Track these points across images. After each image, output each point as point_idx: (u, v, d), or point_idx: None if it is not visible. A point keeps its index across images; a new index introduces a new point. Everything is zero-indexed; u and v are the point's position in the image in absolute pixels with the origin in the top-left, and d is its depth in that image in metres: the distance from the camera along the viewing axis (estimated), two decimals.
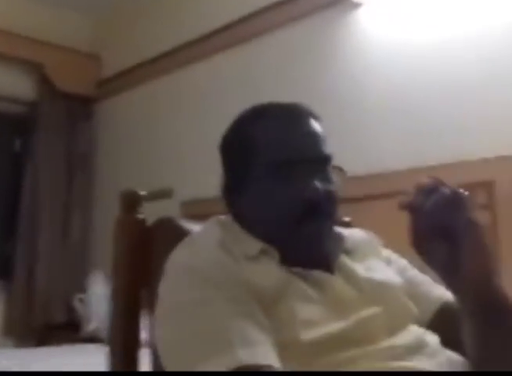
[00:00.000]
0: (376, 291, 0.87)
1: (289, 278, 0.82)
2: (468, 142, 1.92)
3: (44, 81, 3.26)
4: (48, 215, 3.26)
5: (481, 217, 0.77)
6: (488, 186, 1.84)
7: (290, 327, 0.78)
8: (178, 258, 0.85)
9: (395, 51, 2.15)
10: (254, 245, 0.86)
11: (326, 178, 0.90)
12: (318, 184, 0.87)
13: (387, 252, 1.03)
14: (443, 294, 0.94)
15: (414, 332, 0.85)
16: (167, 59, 2.97)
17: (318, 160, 0.90)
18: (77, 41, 3.35)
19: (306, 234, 0.87)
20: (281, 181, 0.87)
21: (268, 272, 0.82)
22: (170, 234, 1.01)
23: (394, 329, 0.83)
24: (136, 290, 1.03)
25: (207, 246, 0.85)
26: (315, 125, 0.93)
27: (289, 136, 0.90)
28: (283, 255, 0.85)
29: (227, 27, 2.69)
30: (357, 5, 2.25)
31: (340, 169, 0.93)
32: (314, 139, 0.91)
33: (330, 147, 0.92)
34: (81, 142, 3.41)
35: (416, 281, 0.99)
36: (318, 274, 0.85)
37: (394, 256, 1.03)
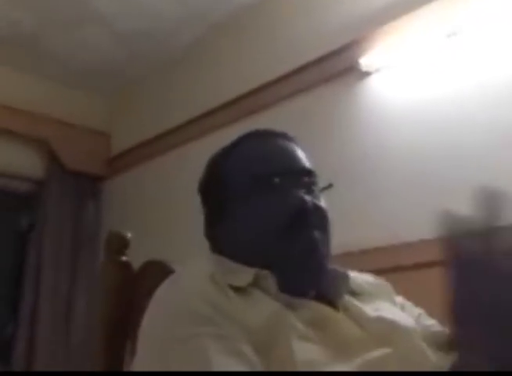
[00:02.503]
0: (386, 332, 0.77)
1: (284, 313, 0.74)
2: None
3: (52, 159, 3.24)
4: (51, 297, 3.15)
5: None
6: None
7: (287, 369, 0.68)
8: (163, 294, 0.78)
9: (407, 119, 2.10)
10: (246, 274, 0.78)
11: (313, 193, 0.85)
12: (304, 195, 0.82)
13: (400, 299, 0.93)
14: None
15: None
16: (176, 135, 2.96)
17: (300, 173, 0.86)
18: (86, 119, 3.37)
19: (298, 246, 0.81)
20: (263, 196, 0.83)
21: (260, 307, 0.74)
22: (158, 278, 0.92)
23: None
24: (119, 343, 0.92)
25: (195, 280, 0.77)
26: (291, 143, 0.91)
27: (265, 152, 0.88)
28: (280, 278, 0.78)
29: (234, 101, 2.68)
30: (366, 74, 2.23)
31: (329, 186, 0.88)
32: (292, 153, 0.88)
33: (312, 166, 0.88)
34: (88, 221, 3.35)
35: (433, 330, 0.88)
36: (319, 307, 0.77)
37: (408, 303, 0.93)
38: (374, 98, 2.22)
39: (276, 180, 0.83)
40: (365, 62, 2.18)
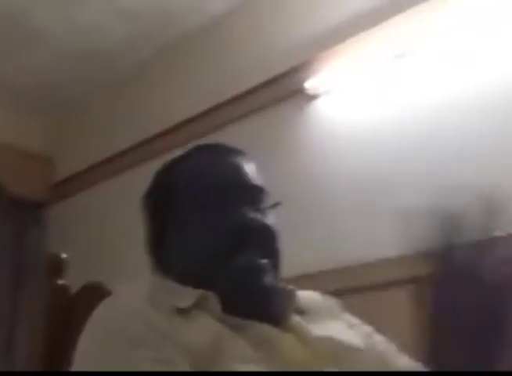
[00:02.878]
0: (332, 352, 0.74)
1: (227, 334, 0.70)
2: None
3: None
4: None
5: None
6: None
7: None
8: (98, 317, 0.73)
9: (354, 141, 2.11)
10: (188, 295, 0.74)
11: (261, 211, 0.82)
12: (250, 212, 0.79)
13: (348, 316, 0.91)
14: (408, 363, 0.85)
15: None
16: (123, 159, 2.90)
17: (249, 189, 0.83)
18: (29, 143, 3.26)
19: (241, 266, 0.77)
20: (209, 213, 0.80)
21: (202, 328, 0.70)
22: (96, 300, 0.87)
23: None
24: (57, 368, 0.87)
25: (131, 301, 0.73)
26: (242, 159, 0.88)
27: (215, 166, 0.85)
28: (224, 299, 0.74)
29: (183, 124, 2.65)
30: (313, 97, 2.24)
31: (277, 204, 0.85)
32: (241, 169, 0.85)
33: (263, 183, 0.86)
34: (30, 249, 3.23)
35: (380, 348, 0.86)
36: (264, 328, 0.73)
37: (356, 321, 0.91)
38: (321, 120, 2.22)
39: (224, 196, 0.80)
40: (312, 84, 2.19)
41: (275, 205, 0.86)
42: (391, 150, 1.99)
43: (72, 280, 2.90)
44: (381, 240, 1.94)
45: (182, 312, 0.72)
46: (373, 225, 1.97)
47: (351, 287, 1.90)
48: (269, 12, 2.42)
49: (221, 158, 0.86)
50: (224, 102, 2.50)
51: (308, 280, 1.98)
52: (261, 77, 2.36)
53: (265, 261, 0.79)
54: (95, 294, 0.89)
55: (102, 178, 2.99)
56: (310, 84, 2.19)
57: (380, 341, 0.89)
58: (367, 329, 0.91)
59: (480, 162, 1.77)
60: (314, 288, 1.94)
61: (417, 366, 0.83)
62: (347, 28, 2.11)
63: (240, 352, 0.69)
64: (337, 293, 1.83)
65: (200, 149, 0.90)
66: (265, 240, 0.81)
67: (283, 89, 2.30)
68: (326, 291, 1.87)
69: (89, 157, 3.07)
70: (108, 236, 2.93)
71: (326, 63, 2.15)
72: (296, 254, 1.96)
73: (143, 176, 2.79)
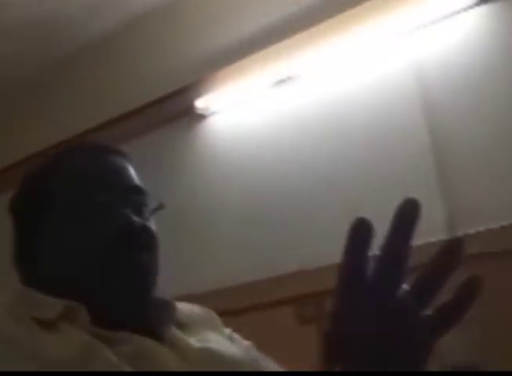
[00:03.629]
0: (211, 363, 0.73)
1: (93, 345, 0.66)
2: (315, 249, 1.89)
3: None
4: None
5: None
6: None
7: None
8: None
9: (241, 159, 2.14)
10: (53, 306, 0.70)
11: (141, 213, 0.78)
12: (129, 214, 0.75)
13: (228, 330, 0.90)
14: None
15: None
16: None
17: (129, 191, 0.79)
18: None
19: (123, 272, 0.73)
20: (85, 218, 0.75)
21: (68, 340, 0.66)
22: None
23: None
24: None
25: None
26: (122, 160, 0.83)
27: (92, 167, 0.80)
28: (94, 312, 0.69)
29: (69, 142, 2.56)
30: (202, 117, 2.25)
31: (161, 207, 0.82)
32: (122, 169, 0.81)
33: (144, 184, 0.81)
34: None
35: (263, 362, 0.86)
36: (139, 340, 0.70)
37: (236, 335, 0.90)
38: (210, 140, 2.23)
39: (102, 198, 0.76)
40: (201, 104, 2.20)
41: (159, 208, 0.83)
42: (277, 167, 2.04)
43: None
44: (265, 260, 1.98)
45: (45, 324, 0.67)
46: (260, 246, 2.00)
47: (234, 309, 1.90)
48: (162, 31, 2.42)
49: (101, 158, 0.81)
50: (109, 121, 2.43)
51: (193, 301, 1.97)
52: (150, 96, 2.33)
53: (150, 264, 0.76)
54: None
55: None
56: (199, 105, 2.20)
57: (258, 355, 0.88)
58: (246, 343, 0.90)
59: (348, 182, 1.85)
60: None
61: None
62: (238, 50, 2.14)
63: (111, 367, 0.65)
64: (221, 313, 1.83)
65: (76, 148, 0.85)
66: (148, 243, 0.77)
67: (173, 109, 2.29)
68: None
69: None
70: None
71: (215, 83, 2.17)
72: (181, 274, 1.97)
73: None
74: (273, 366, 0.85)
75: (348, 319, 0.48)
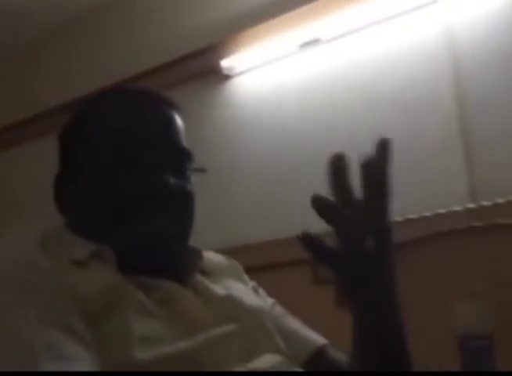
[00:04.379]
0: (233, 310, 0.74)
1: (125, 286, 0.67)
2: None
3: None
4: None
5: None
6: None
7: (122, 344, 0.62)
8: None
9: (264, 121, 2.13)
10: (83, 247, 0.71)
11: (184, 176, 0.79)
12: (171, 179, 0.75)
13: (252, 283, 0.91)
14: (318, 338, 0.86)
15: (274, 359, 0.72)
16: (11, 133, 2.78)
17: (174, 153, 0.79)
18: None
19: (150, 234, 0.73)
20: (124, 171, 0.75)
21: (99, 277, 0.67)
22: None
23: (251, 352, 0.70)
24: None
25: (19, 247, 0.70)
26: (175, 116, 0.82)
27: (140, 121, 0.78)
28: (122, 260, 0.71)
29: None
30: (227, 77, 2.24)
31: (202, 170, 0.83)
32: (171, 128, 0.80)
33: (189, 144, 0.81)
34: None
35: (287, 319, 0.88)
36: (163, 284, 0.71)
37: (261, 290, 0.92)
38: (234, 101, 2.22)
39: (149, 154, 0.75)
40: (226, 65, 2.19)
41: (200, 171, 0.84)
42: (301, 131, 2.03)
43: None
44: (286, 219, 1.98)
45: (77, 262, 0.69)
46: (283, 205, 2.01)
47: (258, 265, 1.93)
48: None
49: (157, 112, 0.80)
50: (132, 77, 2.43)
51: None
52: (172, 54, 2.32)
53: (176, 228, 0.76)
54: None
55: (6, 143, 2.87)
56: (224, 65, 2.19)
57: (284, 313, 0.89)
58: (271, 300, 0.92)
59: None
60: None
61: (317, 337, 0.85)
62: (266, 11, 2.11)
63: (139, 305, 0.67)
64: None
65: (132, 93, 0.82)
66: (181, 208, 0.78)
67: (196, 68, 2.28)
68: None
69: None
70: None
71: (242, 43, 2.15)
72: (198, 233, 1.98)
73: (32, 152, 2.65)
74: (295, 324, 0.87)
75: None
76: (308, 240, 0.60)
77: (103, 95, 0.84)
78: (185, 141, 0.82)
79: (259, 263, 1.92)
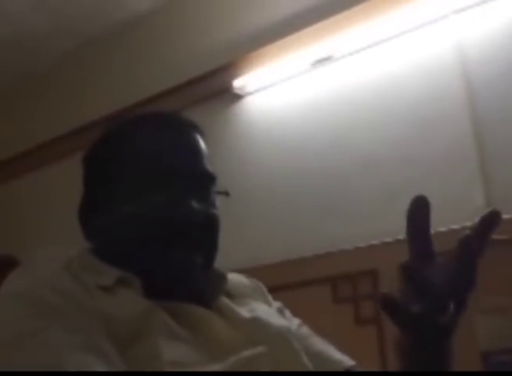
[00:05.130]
0: (260, 332, 0.73)
1: (153, 310, 0.67)
2: (351, 229, 1.89)
3: None
4: None
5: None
6: (372, 274, 1.80)
7: (151, 368, 0.62)
8: (10, 284, 0.68)
9: (276, 140, 2.14)
10: (109, 274, 0.70)
11: (208, 201, 0.77)
12: (196, 204, 0.74)
13: (278, 304, 0.91)
14: (346, 359, 0.84)
15: None
16: (41, 153, 2.81)
17: (199, 178, 0.78)
18: None
19: (175, 262, 0.72)
20: (150, 197, 0.74)
21: (127, 302, 0.67)
22: (6, 271, 0.81)
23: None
24: None
25: (45, 268, 0.68)
26: (199, 139, 0.81)
27: (165, 145, 0.77)
28: (147, 286, 0.70)
29: (103, 120, 2.57)
30: (238, 97, 2.25)
31: (225, 193, 0.82)
32: (196, 152, 0.79)
33: (214, 168, 0.80)
34: None
35: (313, 340, 0.86)
36: (190, 309, 0.71)
37: (287, 312, 0.91)
38: (246, 120, 2.24)
39: (173, 180, 0.74)
40: (238, 84, 2.20)
41: (224, 195, 0.82)
42: (311, 147, 2.04)
43: None
44: (302, 238, 1.98)
45: (103, 288, 0.68)
46: (294, 223, 2.01)
47: (273, 286, 1.92)
48: (199, 11, 2.42)
49: (180, 135, 0.79)
50: (147, 99, 2.43)
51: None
52: (187, 75, 2.34)
53: (199, 257, 0.75)
54: (5, 266, 0.83)
55: (21, 172, 2.90)
56: (236, 84, 2.20)
57: (311, 333, 0.88)
58: (297, 321, 0.90)
59: (385, 162, 1.85)
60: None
61: (345, 358, 0.84)
62: (275, 31, 2.13)
63: (168, 329, 0.66)
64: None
65: (157, 118, 0.81)
66: (206, 234, 0.76)
67: (209, 88, 2.29)
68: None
69: (11, 148, 2.96)
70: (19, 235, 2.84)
71: (253, 63, 2.16)
72: (230, 249, 1.98)
73: (63, 172, 2.67)
74: (323, 344, 0.86)
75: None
76: (385, 301, 0.57)
77: (127, 119, 0.83)
78: (210, 164, 0.82)
79: (276, 283, 1.92)
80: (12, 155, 2.90)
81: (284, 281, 1.90)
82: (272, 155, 2.14)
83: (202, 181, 0.79)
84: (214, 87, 2.28)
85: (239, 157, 2.24)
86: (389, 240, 1.77)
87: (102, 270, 0.71)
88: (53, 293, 0.64)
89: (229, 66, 2.21)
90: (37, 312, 0.62)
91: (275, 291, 1.89)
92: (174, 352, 0.64)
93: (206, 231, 0.76)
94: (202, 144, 0.81)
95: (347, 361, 0.83)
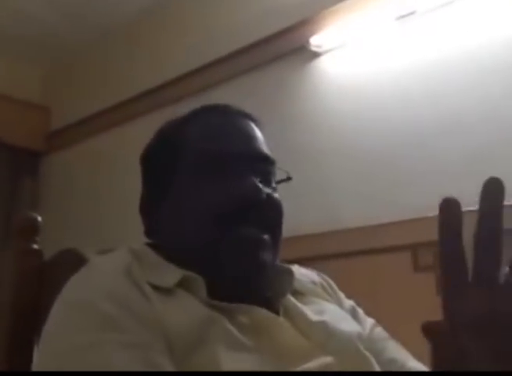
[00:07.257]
0: (328, 338, 0.69)
1: (213, 317, 0.64)
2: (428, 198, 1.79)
3: None
4: None
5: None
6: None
7: None
8: (67, 291, 0.66)
9: (356, 101, 2.04)
10: (172, 274, 0.68)
11: (268, 182, 0.75)
12: (257, 182, 0.72)
13: (350, 302, 0.85)
14: (420, 367, 0.78)
15: None
16: (117, 112, 2.83)
17: (256, 159, 0.76)
18: (25, 92, 3.19)
19: (240, 238, 0.70)
20: (210, 179, 0.72)
21: (186, 309, 0.64)
22: (71, 267, 0.81)
23: None
24: (26, 338, 0.82)
25: (107, 276, 0.66)
26: (252, 126, 0.80)
27: (221, 131, 0.76)
28: (212, 282, 0.67)
29: (180, 78, 2.57)
30: (316, 54, 2.16)
31: (287, 179, 0.79)
32: (250, 136, 0.78)
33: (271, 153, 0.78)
34: (25, 198, 3.19)
35: (387, 344, 0.80)
36: (254, 310, 0.67)
37: (360, 310, 0.85)
38: (324, 78, 2.15)
39: (232, 164, 0.73)
40: (315, 42, 2.11)
41: (286, 180, 0.80)
42: (393, 108, 1.93)
43: (67, 233, 2.87)
44: (382, 203, 1.91)
45: (161, 290, 0.65)
46: (374, 188, 1.93)
47: (352, 251, 1.88)
48: None
49: (233, 122, 0.78)
50: (224, 57, 2.42)
51: (307, 242, 1.95)
52: (263, 32, 2.27)
53: (265, 236, 0.72)
54: (70, 261, 0.83)
55: (98, 130, 2.94)
56: (313, 42, 2.11)
57: (381, 334, 0.82)
58: (370, 321, 0.84)
59: (476, 122, 1.73)
60: (312, 250, 1.92)
61: (419, 366, 0.78)
62: None
63: (228, 337, 0.63)
64: (336, 255, 1.79)
65: (209, 109, 0.81)
66: (269, 215, 0.74)
67: (286, 46, 2.22)
68: (326, 254, 1.86)
69: (84, 109, 3.00)
70: (101, 189, 2.89)
71: (330, 20, 2.06)
72: (295, 215, 1.93)
73: (137, 130, 2.74)
74: (395, 349, 0.80)
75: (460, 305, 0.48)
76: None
77: (181, 114, 0.83)
78: (267, 149, 0.79)
79: (357, 248, 1.87)
80: (89, 115, 2.96)
81: (364, 247, 1.86)
82: (349, 115, 2.05)
83: (261, 162, 0.77)
84: (291, 44, 2.20)
85: (315, 116, 2.15)
86: (473, 208, 1.66)
87: (165, 270, 0.69)
88: (109, 302, 0.61)
89: (305, 24, 2.11)
90: (91, 325, 0.60)
91: (355, 255, 1.87)
92: (234, 362, 0.61)
93: (270, 212, 0.74)
94: (257, 130, 0.80)
95: (421, 369, 0.77)
